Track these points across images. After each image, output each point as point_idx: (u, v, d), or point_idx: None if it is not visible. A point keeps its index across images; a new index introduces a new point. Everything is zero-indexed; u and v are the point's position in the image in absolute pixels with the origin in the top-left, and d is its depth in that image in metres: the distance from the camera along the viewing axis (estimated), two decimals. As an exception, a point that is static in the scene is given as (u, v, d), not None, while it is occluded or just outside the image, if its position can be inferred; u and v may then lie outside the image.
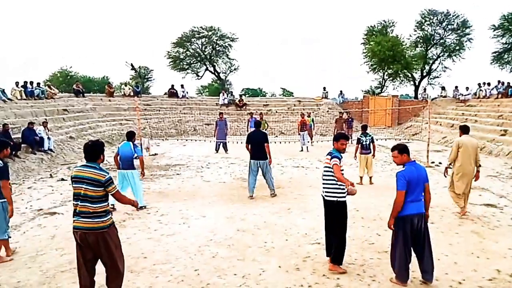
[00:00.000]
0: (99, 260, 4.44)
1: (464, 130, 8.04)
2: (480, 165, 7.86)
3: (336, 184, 5.32)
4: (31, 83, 20.66)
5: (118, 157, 8.61)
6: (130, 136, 8.73)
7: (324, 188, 5.45)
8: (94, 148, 4.44)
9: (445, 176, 8.22)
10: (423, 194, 4.99)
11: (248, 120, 21.70)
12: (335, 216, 5.38)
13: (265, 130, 17.64)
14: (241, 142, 19.89)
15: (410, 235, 4.89)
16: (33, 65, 74.37)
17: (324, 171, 5.47)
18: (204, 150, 18.23)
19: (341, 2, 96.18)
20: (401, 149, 5.13)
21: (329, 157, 5.40)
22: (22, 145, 14.17)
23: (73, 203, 4.40)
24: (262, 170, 9.50)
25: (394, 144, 5.38)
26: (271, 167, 9.78)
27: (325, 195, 5.42)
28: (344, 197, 5.38)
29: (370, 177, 11.13)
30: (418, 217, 4.89)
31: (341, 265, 5.44)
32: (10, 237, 6.11)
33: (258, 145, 9.40)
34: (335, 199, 5.34)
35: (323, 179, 5.46)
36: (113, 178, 4.49)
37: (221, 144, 17.97)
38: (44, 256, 6.05)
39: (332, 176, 5.32)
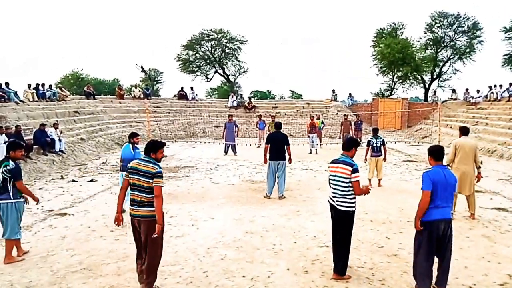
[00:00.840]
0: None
1: (464, 131, 8.00)
2: (480, 166, 7.80)
3: (353, 194, 5.20)
4: (43, 85, 20.93)
5: (122, 160, 8.58)
6: (130, 137, 8.64)
7: (338, 197, 5.24)
8: (151, 145, 4.97)
9: None
10: (451, 202, 4.80)
11: (257, 122, 21.74)
12: (348, 226, 5.26)
13: (269, 131, 17.67)
14: (250, 145, 20.05)
15: (435, 242, 4.67)
16: (45, 68, 75.31)
17: (340, 180, 5.21)
18: (213, 152, 18.29)
19: (351, 4, 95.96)
20: (428, 151, 5.02)
21: (349, 168, 5.16)
22: (34, 146, 14.33)
23: (130, 193, 4.86)
24: (278, 171, 9.61)
25: None
26: (286, 172, 9.94)
27: (339, 205, 5.21)
28: (355, 206, 5.31)
29: (379, 180, 11.08)
30: (444, 223, 4.66)
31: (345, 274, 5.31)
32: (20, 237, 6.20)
33: (278, 146, 9.61)
34: (350, 209, 5.20)
35: (338, 188, 5.23)
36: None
37: (230, 146, 18.01)
38: (55, 257, 6.12)
39: (350, 187, 5.16)
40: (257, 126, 21.53)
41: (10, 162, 5.92)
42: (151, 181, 4.70)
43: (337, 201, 5.27)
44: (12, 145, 6.13)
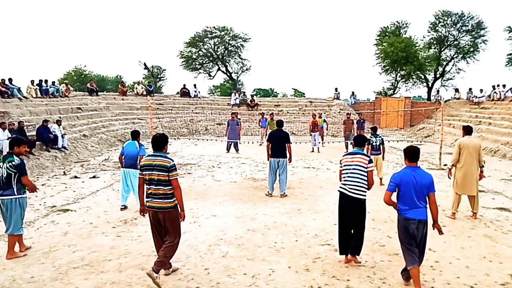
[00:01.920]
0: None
1: (467, 130, 7.97)
2: (483, 165, 7.78)
3: (366, 184, 5.69)
4: (46, 81, 20.95)
5: (123, 156, 8.65)
6: (135, 135, 8.80)
7: (355, 186, 5.61)
8: (161, 139, 5.27)
9: (449, 178, 8.15)
10: (424, 202, 4.87)
11: (259, 120, 21.72)
12: (364, 212, 5.69)
13: (270, 129, 17.70)
14: (252, 142, 20.04)
15: (410, 236, 4.88)
16: (48, 64, 75.44)
17: (359, 169, 5.64)
18: (215, 150, 18.30)
19: (355, 3, 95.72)
20: (403, 151, 5.17)
21: (367, 158, 5.74)
22: (37, 142, 14.37)
23: (147, 187, 5.18)
24: (279, 168, 9.68)
25: None
26: (287, 169, 9.96)
27: (356, 193, 5.60)
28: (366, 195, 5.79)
29: (381, 178, 11.06)
30: (418, 223, 4.82)
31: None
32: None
33: (279, 144, 9.67)
34: (363, 197, 5.65)
35: (356, 177, 5.62)
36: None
37: (232, 144, 18.03)
38: (57, 252, 6.14)
39: (366, 176, 5.65)
40: (259, 124, 21.51)
41: (15, 157, 5.97)
42: (166, 174, 5.01)
43: (353, 189, 5.64)
44: (16, 140, 6.21)
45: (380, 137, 11.18)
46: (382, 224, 7.53)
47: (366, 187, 5.69)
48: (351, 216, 5.64)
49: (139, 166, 5.42)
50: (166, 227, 5.18)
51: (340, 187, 5.79)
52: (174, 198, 5.14)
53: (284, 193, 9.70)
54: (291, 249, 6.27)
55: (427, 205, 4.89)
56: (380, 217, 7.93)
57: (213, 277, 5.29)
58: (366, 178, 5.66)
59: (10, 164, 5.87)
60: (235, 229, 7.24)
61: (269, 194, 9.78)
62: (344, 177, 5.75)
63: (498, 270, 5.52)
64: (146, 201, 5.19)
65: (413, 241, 4.90)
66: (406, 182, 4.83)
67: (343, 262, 5.68)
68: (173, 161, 5.13)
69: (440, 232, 5.01)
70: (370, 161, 5.74)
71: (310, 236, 6.86)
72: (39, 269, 5.54)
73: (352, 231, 5.68)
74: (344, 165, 5.80)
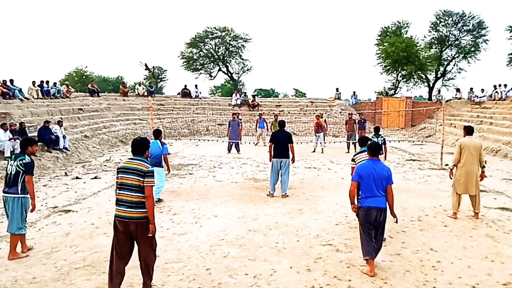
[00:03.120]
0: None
1: (468, 130, 7.96)
2: (484, 166, 7.78)
3: None
4: (47, 82, 20.99)
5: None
6: (157, 134, 8.97)
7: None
8: (142, 143, 4.80)
9: (451, 178, 8.11)
10: (384, 191, 5.34)
11: (257, 120, 21.71)
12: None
13: (272, 130, 17.77)
14: (253, 143, 20.06)
15: (369, 223, 5.33)
16: (49, 65, 75.55)
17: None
18: (217, 150, 18.30)
19: (356, 2, 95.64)
20: (367, 147, 5.76)
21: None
22: (38, 143, 14.37)
23: (116, 192, 4.67)
24: (281, 169, 9.70)
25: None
26: (290, 170, 9.99)
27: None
28: None
29: None
30: (376, 211, 5.29)
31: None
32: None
33: (282, 144, 9.72)
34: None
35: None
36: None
37: (234, 144, 18.04)
38: (59, 253, 6.15)
39: None
40: (257, 125, 21.38)
41: (26, 156, 6.10)
42: (142, 179, 4.54)
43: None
44: (29, 140, 6.36)
45: (382, 137, 11.20)
46: (383, 224, 7.52)
47: None
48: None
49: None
50: (138, 241, 4.64)
51: None
52: (144, 211, 4.58)
53: (286, 193, 9.70)
54: (293, 250, 6.27)
55: (386, 195, 5.36)
56: (381, 217, 7.91)
57: (215, 277, 5.29)
58: None
59: (20, 162, 6.00)
60: (237, 229, 7.24)
61: (270, 195, 9.77)
62: None
63: (500, 270, 5.51)
64: (115, 209, 4.68)
65: (373, 228, 5.35)
66: (367, 173, 5.35)
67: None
68: (151, 167, 4.69)
69: (395, 220, 5.47)
70: None
71: (312, 237, 6.86)
72: (41, 269, 5.55)
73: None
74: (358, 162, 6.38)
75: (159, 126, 23.28)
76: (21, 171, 5.97)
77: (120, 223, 4.61)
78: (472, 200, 7.85)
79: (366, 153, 6.07)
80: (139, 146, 4.78)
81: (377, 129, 11.57)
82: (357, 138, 17.18)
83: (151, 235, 4.60)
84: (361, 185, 5.39)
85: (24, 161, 6.01)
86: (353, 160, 7.02)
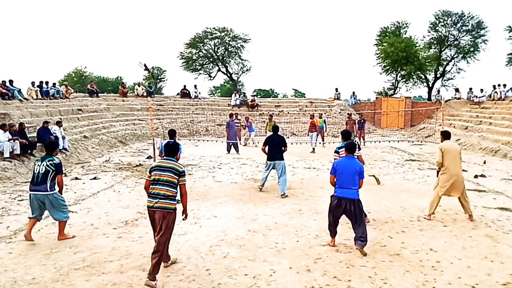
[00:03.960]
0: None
1: (446, 135, 8.02)
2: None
3: None
4: (47, 83, 20.96)
5: (163, 154, 8.86)
6: (172, 134, 9.25)
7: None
8: (173, 147, 5.67)
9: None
10: (356, 184, 6.08)
11: (246, 125, 21.47)
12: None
13: (269, 130, 17.95)
14: (255, 144, 20.05)
15: (338, 210, 6.15)
16: (48, 65, 75.49)
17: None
18: (216, 151, 18.30)
19: (355, 3, 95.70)
20: (344, 146, 6.61)
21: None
22: (37, 144, 14.36)
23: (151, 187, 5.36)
24: (277, 171, 9.95)
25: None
26: (287, 170, 10.18)
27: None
28: None
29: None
30: (345, 200, 6.04)
31: None
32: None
33: (276, 148, 10.01)
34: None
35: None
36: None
37: (233, 145, 18.07)
38: (58, 254, 6.14)
39: None
40: (244, 126, 21.25)
41: (54, 157, 6.79)
42: (177, 177, 5.33)
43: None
44: (54, 144, 7.26)
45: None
46: (383, 224, 7.53)
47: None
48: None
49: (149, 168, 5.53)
50: (162, 226, 5.23)
51: None
52: (175, 201, 5.31)
53: (285, 193, 9.73)
54: (292, 250, 6.27)
55: (358, 188, 6.11)
56: (381, 218, 7.93)
57: (214, 278, 5.29)
58: None
59: (50, 162, 6.64)
60: (236, 230, 7.24)
61: (259, 188, 10.34)
62: None
63: (499, 270, 5.51)
64: (147, 201, 5.29)
65: (339, 216, 6.24)
66: (342, 168, 6.15)
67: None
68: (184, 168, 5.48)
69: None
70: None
71: (311, 237, 6.86)
72: (40, 270, 5.54)
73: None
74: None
75: (159, 126, 23.29)
76: (51, 171, 6.59)
77: (152, 211, 5.27)
78: (461, 203, 7.79)
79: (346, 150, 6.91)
80: (171, 149, 5.59)
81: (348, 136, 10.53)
82: (355, 138, 17.21)
83: (184, 219, 5.61)
84: (337, 178, 6.17)
85: (54, 161, 6.67)
86: (336, 152, 7.46)
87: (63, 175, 6.92)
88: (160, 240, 5.13)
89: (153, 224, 5.35)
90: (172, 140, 7.50)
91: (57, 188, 6.80)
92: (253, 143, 20.48)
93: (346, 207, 6.06)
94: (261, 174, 12.41)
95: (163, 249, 5.18)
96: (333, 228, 6.41)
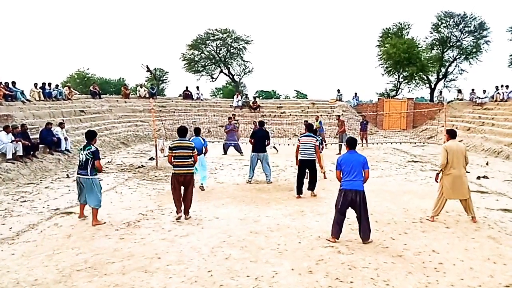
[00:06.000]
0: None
1: (452, 134, 7.93)
2: (466, 163, 7.75)
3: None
4: (49, 84, 21.04)
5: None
6: (198, 131, 10.65)
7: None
8: (185, 129, 8.25)
9: (436, 182, 7.98)
10: (361, 176, 6.46)
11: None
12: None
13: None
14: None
15: (346, 204, 6.46)
16: (51, 67, 75.73)
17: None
18: (218, 152, 18.31)
19: (357, 4, 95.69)
20: (346, 141, 6.97)
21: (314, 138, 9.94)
22: (40, 145, 14.41)
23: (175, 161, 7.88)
24: (261, 160, 11.39)
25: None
26: (269, 160, 11.66)
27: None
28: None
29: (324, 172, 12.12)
30: (352, 192, 6.40)
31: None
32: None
33: (260, 140, 11.41)
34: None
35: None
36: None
37: (234, 146, 18.16)
38: (61, 255, 6.15)
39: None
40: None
41: (92, 146, 7.68)
42: (192, 151, 7.92)
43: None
44: (93, 133, 7.99)
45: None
46: (385, 225, 7.51)
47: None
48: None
49: (170, 147, 7.96)
50: (186, 187, 7.91)
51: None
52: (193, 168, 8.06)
53: (270, 180, 11.45)
54: (294, 251, 6.26)
55: (363, 180, 6.49)
56: (383, 219, 7.91)
57: (216, 279, 5.28)
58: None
59: (88, 151, 7.57)
60: (238, 231, 7.24)
61: (248, 181, 11.51)
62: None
63: (502, 271, 5.49)
64: (175, 169, 7.82)
65: (347, 210, 6.51)
66: (346, 162, 6.52)
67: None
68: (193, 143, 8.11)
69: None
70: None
71: (313, 238, 6.85)
72: (42, 271, 5.55)
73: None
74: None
75: (161, 128, 23.33)
76: (90, 158, 7.56)
77: (180, 176, 7.82)
78: (463, 205, 7.75)
79: (308, 137, 9.85)
80: (183, 131, 8.14)
81: (310, 127, 10.58)
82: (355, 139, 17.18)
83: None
84: (343, 172, 6.55)
85: (91, 150, 7.60)
86: (298, 139, 9.97)
87: (99, 159, 7.81)
88: (190, 198, 7.98)
89: (174, 187, 7.84)
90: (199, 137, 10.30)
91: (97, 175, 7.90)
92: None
93: (352, 198, 6.40)
94: (263, 176, 12.47)
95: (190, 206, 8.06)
96: (338, 227, 6.59)
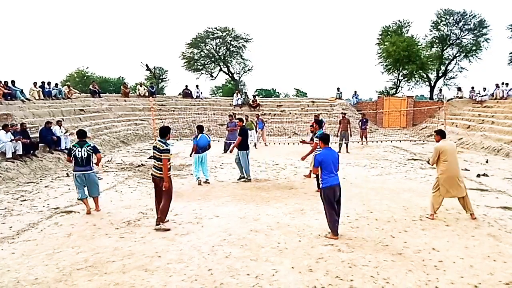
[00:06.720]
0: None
1: (441, 134, 7.95)
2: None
3: None
4: (49, 83, 21.01)
5: (197, 146, 11.05)
6: (202, 128, 11.27)
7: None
8: (164, 130, 7.64)
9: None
10: (337, 171, 6.82)
11: (256, 121, 21.61)
12: None
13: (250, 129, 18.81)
14: (254, 145, 20.03)
15: (333, 198, 6.69)
16: (50, 66, 75.65)
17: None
18: (218, 150, 18.30)
19: (356, 2, 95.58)
20: (319, 137, 7.41)
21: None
22: (40, 144, 14.40)
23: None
24: (241, 158, 11.66)
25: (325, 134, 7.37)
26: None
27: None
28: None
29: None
30: (338, 187, 6.73)
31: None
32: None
33: (247, 139, 11.93)
34: None
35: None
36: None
37: (231, 144, 18.18)
38: (61, 254, 6.16)
39: None
40: (257, 126, 21.36)
41: (89, 142, 8.43)
42: (161, 154, 7.19)
43: None
44: (84, 131, 8.64)
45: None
46: (385, 224, 7.52)
47: None
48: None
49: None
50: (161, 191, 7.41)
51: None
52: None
53: (247, 178, 11.61)
54: (294, 250, 6.27)
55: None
56: (383, 217, 7.92)
57: (217, 277, 5.29)
58: None
59: (88, 148, 8.22)
60: (238, 229, 7.24)
61: (248, 179, 11.60)
62: None
63: (502, 269, 5.50)
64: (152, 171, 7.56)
65: (335, 204, 6.72)
66: (326, 158, 6.75)
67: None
68: (168, 145, 7.38)
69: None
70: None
71: (313, 237, 6.85)
72: (43, 270, 5.56)
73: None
74: None
75: (161, 126, 23.28)
76: (91, 153, 8.19)
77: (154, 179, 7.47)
78: (461, 202, 7.77)
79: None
80: (164, 132, 7.59)
81: (319, 123, 11.01)
82: (352, 138, 17.11)
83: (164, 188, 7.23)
84: (324, 168, 6.72)
85: (90, 146, 8.29)
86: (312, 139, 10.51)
87: (100, 152, 8.60)
88: (164, 204, 7.41)
89: (155, 189, 7.64)
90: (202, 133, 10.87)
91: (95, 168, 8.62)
92: (265, 143, 21.13)
93: (337, 193, 6.75)
94: (263, 174, 12.49)
95: (166, 213, 7.57)
96: (336, 224, 6.75)
